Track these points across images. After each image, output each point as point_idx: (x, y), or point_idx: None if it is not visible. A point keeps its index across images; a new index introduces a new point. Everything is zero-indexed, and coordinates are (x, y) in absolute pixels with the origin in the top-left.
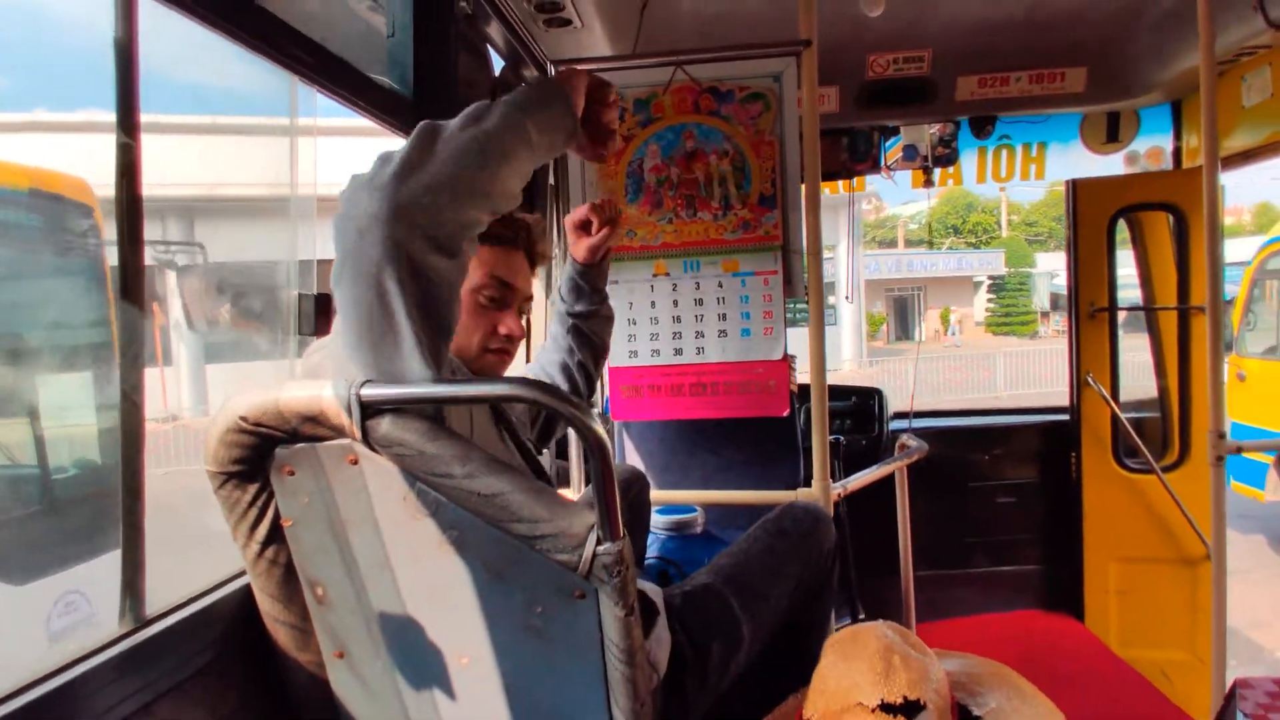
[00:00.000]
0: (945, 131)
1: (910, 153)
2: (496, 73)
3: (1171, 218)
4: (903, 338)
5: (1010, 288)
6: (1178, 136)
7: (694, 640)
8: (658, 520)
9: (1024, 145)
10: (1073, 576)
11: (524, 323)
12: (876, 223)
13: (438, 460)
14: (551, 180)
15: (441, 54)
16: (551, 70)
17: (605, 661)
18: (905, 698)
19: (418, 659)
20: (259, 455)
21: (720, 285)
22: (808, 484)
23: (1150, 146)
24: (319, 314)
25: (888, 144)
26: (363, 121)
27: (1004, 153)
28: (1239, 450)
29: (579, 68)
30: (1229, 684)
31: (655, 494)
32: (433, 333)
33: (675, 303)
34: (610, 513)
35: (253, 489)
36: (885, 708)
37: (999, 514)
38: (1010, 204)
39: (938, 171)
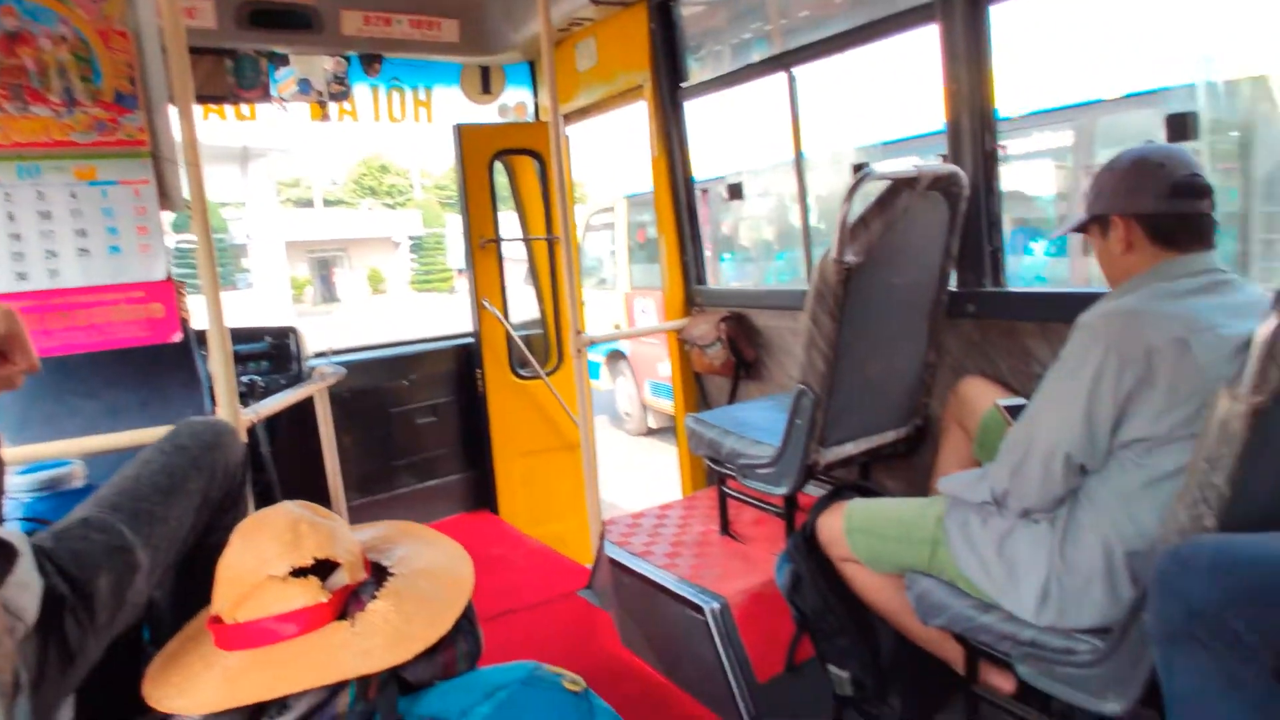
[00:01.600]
0: (339, 68)
1: (304, 86)
2: None
3: (536, 162)
4: (329, 299)
5: (429, 247)
6: (535, 93)
7: (72, 578)
8: (20, 481)
9: (413, 89)
10: (487, 478)
11: None
12: (292, 181)
13: None
14: None
15: None
16: None
17: None
18: (316, 559)
19: None
20: None
21: (74, 196)
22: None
23: (517, 100)
24: None
25: (279, 74)
26: None
27: (395, 94)
28: (592, 342)
29: None
30: None
31: (13, 451)
32: None
33: (11, 216)
34: None
35: None
36: (297, 573)
37: (421, 434)
38: (423, 170)
39: (335, 107)
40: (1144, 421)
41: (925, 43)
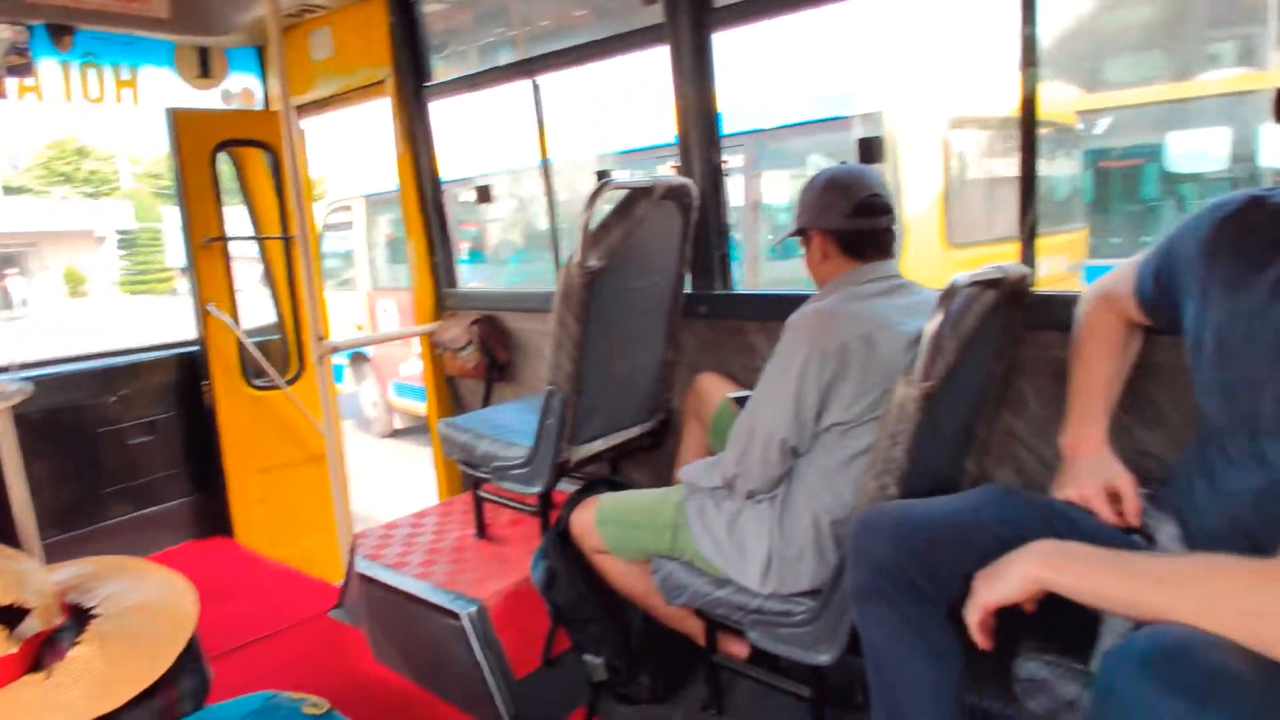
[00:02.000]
0: (19, 38)
1: None
2: None
3: (268, 155)
4: (7, 305)
5: (142, 244)
6: (265, 80)
7: None
8: None
9: (114, 66)
10: (220, 499)
11: None
12: None
13: None
14: None
15: None
16: None
17: None
18: None
19: None
20: None
21: None
22: None
23: (243, 87)
24: None
25: None
26: None
27: (92, 71)
28: (335, 349)
29: None
30: None
31: None
32: None
33: None
34: None
35: None
36: None
37: (136, 455)
38: (131, 156)
39: (14, 82)
40: (840, 408)
41: (659, 61)
